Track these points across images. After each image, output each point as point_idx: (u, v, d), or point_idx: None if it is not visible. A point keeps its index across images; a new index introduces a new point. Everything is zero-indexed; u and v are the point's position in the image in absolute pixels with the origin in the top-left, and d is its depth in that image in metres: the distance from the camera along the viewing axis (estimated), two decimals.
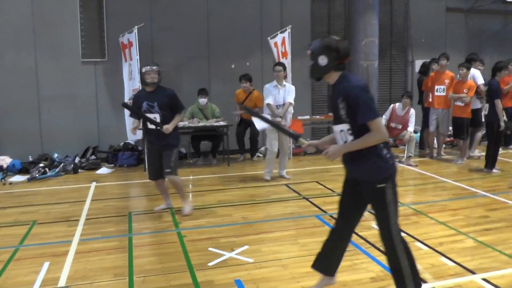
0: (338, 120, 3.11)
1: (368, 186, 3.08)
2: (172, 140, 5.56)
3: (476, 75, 8.66)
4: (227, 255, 4.37)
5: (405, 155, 8.55)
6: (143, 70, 5.41)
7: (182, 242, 4.75)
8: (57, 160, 8.67)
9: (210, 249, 4.53)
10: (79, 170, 8.44)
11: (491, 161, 7.60)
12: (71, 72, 8.97)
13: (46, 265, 4.22)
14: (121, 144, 9.20)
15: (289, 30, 9.05)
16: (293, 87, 7.59)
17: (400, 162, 8.55)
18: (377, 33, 9.79)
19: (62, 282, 3.88)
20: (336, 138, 3.21)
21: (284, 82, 7.49)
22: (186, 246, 4.63)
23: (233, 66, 9.91)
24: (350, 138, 3.05)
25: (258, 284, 3.73)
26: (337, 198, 5.86)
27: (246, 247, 4.56)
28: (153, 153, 5.65)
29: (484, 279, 3.75)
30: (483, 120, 8.45)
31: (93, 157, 8.92)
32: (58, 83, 8.94)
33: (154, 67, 5.39)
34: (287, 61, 9.09)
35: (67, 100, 9.02)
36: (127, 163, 8.85)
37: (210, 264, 4.17)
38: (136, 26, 8.34)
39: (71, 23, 8.96)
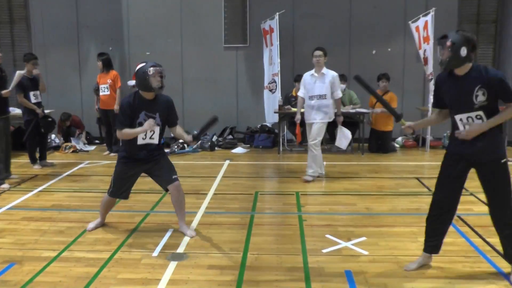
0: (467, 108, 3.37)
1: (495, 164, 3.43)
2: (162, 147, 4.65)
3: None
4: (343, 244, 4.35)
5: None
6: (150, 70, 4.16)
7: (301, 226, 4.84)
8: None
9: (327, 236, 4.55)
10: (216, 148, 9.04)
11: None
12: (213, 57, 9.61)
13: (170, 231, 4.63)
14: (258, 126, 9.61)
15: (433, 13, 8.48)
16: (335, 75, 6.59)
17: None
18: None
19: (181, 248, 4.23)
20: (458, 127, 3.47)
21: (323, 70, 6.55)
22: (304, 230, 4.71)
23: (374, 52, 9.67)
24: (478, 122, 3.37)
25: (368, 278, 3.66)
26: (471, 198, 5.64)
27: (363, 238, 4.49)
28: (135, 170, 4.48)
29: None
30: None
31: (230, 136, 9.48)
32: (201, 67, 9.68)
33: (162, 68, 4.29)
34: (429, 47, 8.56)
35: (209, 83, 9.70)
36: (263, 145, 9.23)
37: (324, 251, 4.20)
38: (277, 13, 8.56)
39: (216, 11, 9.58)
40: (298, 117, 6.84)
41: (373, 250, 4.22)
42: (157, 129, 4.39)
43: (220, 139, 9.33)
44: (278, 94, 8.81)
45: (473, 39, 3.35)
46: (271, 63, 9.14)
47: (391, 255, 4.10)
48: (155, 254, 4.11)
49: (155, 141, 4.43)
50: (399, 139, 9.52)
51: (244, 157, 8.53)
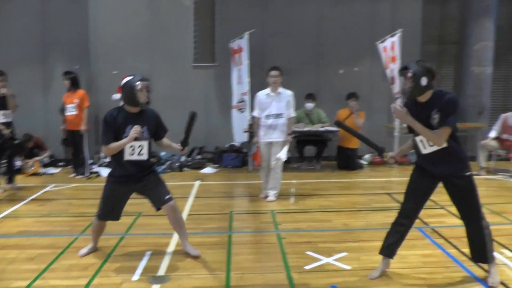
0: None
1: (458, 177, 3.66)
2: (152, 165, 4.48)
3: None
4: (325, 260, 4.36)
5: None
6: (138, 84, 4.02)
7: (281, 243, 4.81)
8: (164, 158, 9.24)
9: (307, 252, 4.55)
10: (184, 169, 8.92)
11: None
12: (183, 76, 9.56)
13: (148, 254, 4.50)
14: (227, 145, 9.57)
15: (400, 34, 8.79)
16: (291, 94, 6.60)
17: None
18: (493, 36, 9.16)
19: (162, 271, 4.11)
20: (418, 147, 3.72)
21: (279, 89, 6.52)
22: (284, 248, 4.68)
23: (341, 71, 9.87)
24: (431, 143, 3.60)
25: None
26: (442, 211, 5.77)
27: (344, 253, 4.51)
28: (123, 190, 4.29)
29: None
30: None
31: (198, 156, 9.39)
32: (171, 86, 9.58)
33: (149, 82, 4.14)
34: (396, 66, 8.83)
35: (178, 101, 9.59)
36: (232, 164, 9.18)
37: (306, 267, 4.19)
38: (247, 32, 8.63)
39: (185, 29, 9.58)
40: (256, 140, 6.72)
41: (356, 265, 4.25)
42: (145, 144, 4.20)
43: (188, 159, 9.23)
44: (247, 113, 8.82)
45: (432, 68, 3.56)
46: (240, 82, 9.17)
47: (374, 269, 4.11)
48: (135, 278, 3.97)
49: (144, 157, 4.23)
50: (367, 156, 9.68)
51: (214, 176, 8.45)
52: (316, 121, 8.92)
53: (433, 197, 6.66)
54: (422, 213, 5.84)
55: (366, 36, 9.87)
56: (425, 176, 3.78)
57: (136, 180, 4.23)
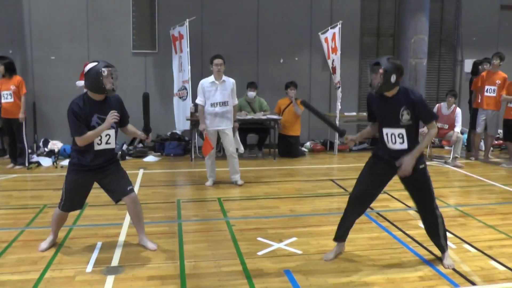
0: (393, 125, 3.79)
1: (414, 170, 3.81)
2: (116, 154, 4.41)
3: None
4: (276, 245, 4.46)
5: (451, 156, 8.45)
6: (104, 70, 3.89)
7: (231, 231, 4.87)
8: None
9: (258, 239, 4.64)
10: (127, 157, 8.72)
11: None
12: (122, 62, 9.22)
13: (99, 244, 4.42)
14: (168, 133, 9.45)
15: (340, 25, 9.05)
16: (234, 82, 6.71)
17: (446, 163, 8.47)
18: (427, 31, 9.66)
19: (115, 262, 4.04)
20: (383, 139, 3.89)
21: (223, 78, 6.61)
22: (235, 235, 4.75)
23: (281, 60, 10.00)
24: (399, 140, 3.80)
25: (307, 276, 3.80)
26: (385, 196, 6.07)
27: (294, 239, 4.65)
28: (87, 179, 4.14)
29: None
30: None
31: (140, 145, 9.21)
32: None
33: (115, 68, 4.02)
34: (337, 57, 9.11)
35: (117, 89, 9.29)
36: (174, 152, 9.09)
37: (259, 253, 4.27)
38: (187, 19, 8.52)
39: (124, 15, 9.30)
40: (203, 127, 6.68)
41: (306, 249, 4.38)
42: (112, 133, 4.10)
43: (130, 147, 9.03)
44: (189, 101, 8.75)
45: (402, 66, 3.77)
46: (181, 70, 9.06)
47: (324, 253, 4.28)
48: (88, 269, 3.88)
49: (112, 145, 4.14)
50: (308, 143, 9.94)
51: (157, 165, 8.34)
52: (258, 109, 9.01)
53: None
54: None
55: (306, 27, 10.07)
56: (383, 164, 3.94)
57: (100, 171, 4.12)
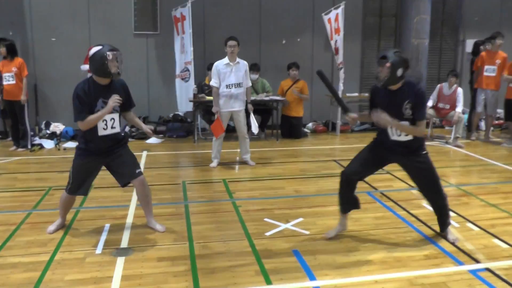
0: (396, 118, 3.75)
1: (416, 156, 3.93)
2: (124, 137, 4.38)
3: None
4: (283, 226, 4.53)
5: (452, 136, 8.49)
6: (109, 54, 3.85)
7: (238, 212, 4.93)
8: None
9: (265, 219, 4.70)
10: (129, 139, 8.74)
11: None
12: (123, 44, 9.10)
13: (107, 226, 4.47)
14: (171, 115, 9.46)
15: (343, 6, 9.00)
16: (247, 64, 6.81)
17: (447, 143, 8.52)
18: (429, 11, 9.59)
19: (124, 243, 4.09)
20: (387, 130, 3.89)
21: (237, 59, 6.66)
22: (242, 216, 4.80)
23: (284, 41, 9.96)
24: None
25: (316, 256, 3.87)
26: (388, 176, 6.12)
27: (300, 219, 4.71)
28: (94, 163, 4.17)
29: None
30: None
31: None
32: None
33: (120, 52, 3.99)
34: (340, 37, 9.08)
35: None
36: (176, 134, 9.11)
37: (267, 234, 4.33)
38: (190, 0, 8.45)
39: None
40: (217, 109, 6.70)
41: (313, 229, 4.45)
42: (116, 117, 4.10)
43: (133, 129, 9.04)
44: (192, 83, 8.74)
45: (408, 60, 3.77)
46: (183, 51, 9.02)
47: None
48: (98, 251, 3.93)
49: (117, 129, 4.14)
50: (310, 124, 9.97)
51: (160, 147, 8.37)
52: (260, 91, 9.01)
53: None
54: (370, 178, 6.19)
55: (308, 8, 10.00)
56: (383, 149, 4.00)
57: (107, 154, 4.13)
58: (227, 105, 6.69)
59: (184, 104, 9.17)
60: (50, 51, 9.10)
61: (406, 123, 3.78)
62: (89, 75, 4.14)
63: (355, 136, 9.41)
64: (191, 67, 8.73)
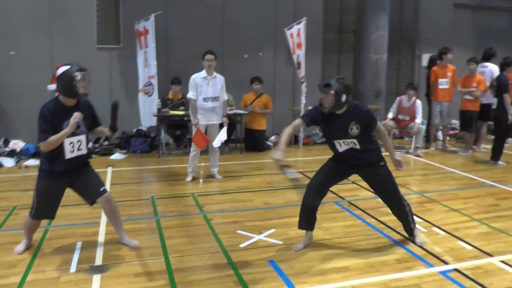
0: (343, 137, 4.04)
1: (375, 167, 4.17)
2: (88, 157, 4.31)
3: (494, 70, 8.75)
4: (256, 237, 4.57)
5: (412, 146, 8.81)
6: (77, 74, 3.80)
7: (210, 225, 4.94)
8: None
9: (238, 231, 4.73)
10: (93, 155, 8.58)
11: (497, 153, 7.87)
12: (86, 57, 9.04)
13: (79, 244, 4.36)
14: (134, 130, 9.36)
15: (305, 21, 9.23)
16: (223, 78, 6.94)
17: (407, 153, 8.83)
18: (387, 27, 10.00)
19: (99, 261, 4.02)
20: (335, 146, 4.16)
21: (214, 73, 6.83)
22: (214, 229, 4.81)
23: (246, 56, 10.08)
24: (351, 145, 4.06)
25: (292, 265, 3.94)
26: (353, 186, 6.29)
27: (273, 230, 4.77)
28: (58, 184, 4.08)
29: (502, 261, 4.01)
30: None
31: (106, 142, 9.08)
32: None
33: (88, 72, 3.94)
34: (302, 52, 9.29)
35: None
36: (140, 149, 9.01)
37: (241, 245, 4.37)
38: (153, 14, 8.44)
39: (87, 8, 9.09)
40: (196, 121, 6.75)
41: (286, 239, 4.52)
42: (83, 138, 4.05)
43: (96, 145, 8.88)
44: (155, 97, 8.70)
45: (350, 85, 4.03)
46: (146, 65, 8.98)
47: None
48: (72, 270, 3.84)
49: (84, 151, 4.08)
50: (272, 137, 10.09)
51: (124, 162, 8.25)
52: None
53: None
54: (337, 188, 6.39)
55: (270, 23, 10.20)
56: (342, 163, 4.22)
57: (70, 175, 4.05)
58: (204, 118, 6.75)
59: (147, 119, 9.10)
60: (9, 65, 8.81)
61: (351, 141, 4.05)
62: (56, 94, 4.06)
63: (318, 148, 9.60)
64: (154, 81, 8.69)
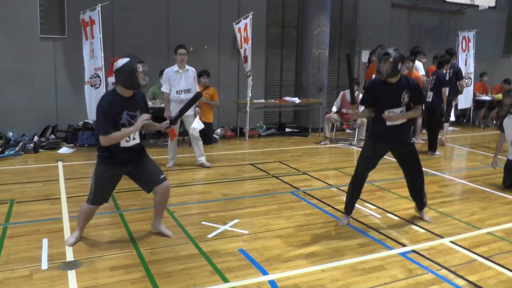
0: (395, 105, 4.49)
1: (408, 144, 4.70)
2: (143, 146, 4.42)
3: (418, 67, 9.48)
4: (222, 228, 4.73)
5: (355, 138, 9.30)
6: (139, 66, 3.90)
7: (174, 217, 5.03)
8: (13, 139, 8.49)
9: (203, 223, 4.86)
10: (40, 150, 8.32)
11: (434, 144, 8.51)
12: (28, 48, 8.76)
13: (45, 241, 4.30)
14: (81, 123, 9.14)
15: (251, 16, 9.41)
16: (194, 70, 7.26)
17: (351, 144, 9.30)
18: (328, 24, 10.42)
19: (70, 256, 3.99)
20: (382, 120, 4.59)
21: (186, 66, 7.11)
22: (179, 221, 4.91)
23: (191, 49, 10.10)
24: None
25: (261, 252, 4.14)
26: (305, 177, 6.60)
27: (236, 220, 4.95)
28: (117, 171, 4.20)
29: (452, 242, 4.48)
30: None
31: (52, 136, 8.82)
32: (14, 59, 8.69)
33: (146, 64, 4.04)
34: (248, 46, 9.48)
35: (24, 77, 8.80)
36: (88, 143, 8.83)
37: (209, 236, 4.51)
38: (99, 4, 8.27)
39: None
40: (169, 114, 6.99)
41: (251, 229, 4.72)
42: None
43: (42, 139, 8.60)
44: (102, 89, 8.54)
45: (405, 56, 4.59)
46: (93, 57, 8.77)
47: (268, 231, 4.68)
48: (44, 266, 3.79)
49: (137, 140, 4.19)
50: (218, 130, 10.23)
51: (74, 157, 8.04)
52: None
53: (293, 165, 7.56)
54: (290, 179, 6.70)
55: (215, 16, 10.28)
56: (379, 143, 4.66)
57: (129, 163, 4.18)
58: (177, 110, 6.74)
59: (94, 112, 8.86)
60: None
61: (401, 109, 4.51)
62: (113, 86, 4.13)
63: (263, 140, 9.86)
64: (101, 73, 8.53)
